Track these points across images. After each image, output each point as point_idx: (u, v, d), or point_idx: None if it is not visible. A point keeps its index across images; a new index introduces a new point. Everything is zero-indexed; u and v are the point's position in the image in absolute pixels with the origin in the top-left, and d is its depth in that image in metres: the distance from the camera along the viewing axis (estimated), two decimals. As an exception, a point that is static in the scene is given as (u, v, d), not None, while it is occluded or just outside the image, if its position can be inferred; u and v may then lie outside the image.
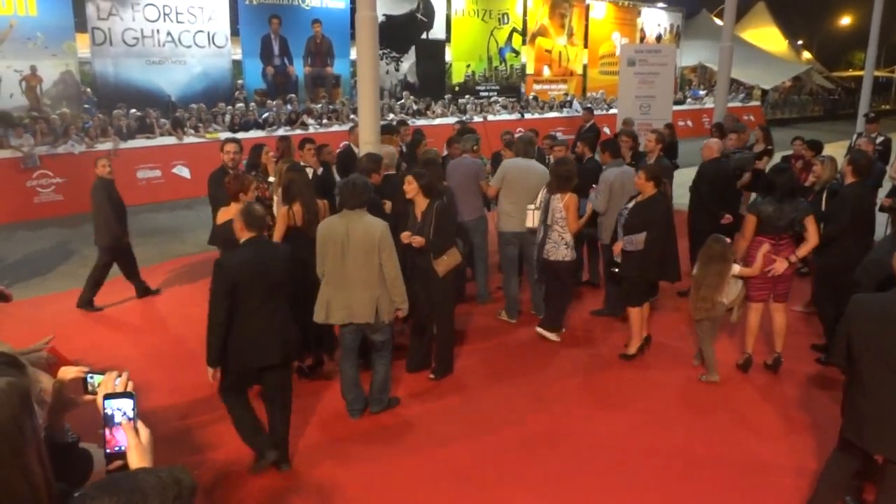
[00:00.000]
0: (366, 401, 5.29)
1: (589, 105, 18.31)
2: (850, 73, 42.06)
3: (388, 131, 8.29)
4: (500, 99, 21.66)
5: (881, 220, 7.16)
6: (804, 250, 5.66)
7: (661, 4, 29.57)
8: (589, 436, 5.01)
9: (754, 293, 5.78)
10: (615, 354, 6.35)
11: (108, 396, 1.79)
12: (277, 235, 5.48)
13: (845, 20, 42.30)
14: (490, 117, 18.79)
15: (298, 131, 14.70)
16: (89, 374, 1.94)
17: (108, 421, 1.77)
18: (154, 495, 1.32)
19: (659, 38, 29.12)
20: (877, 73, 39.10)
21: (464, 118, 17.36)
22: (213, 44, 16.16)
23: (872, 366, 3.41)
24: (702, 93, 26.92)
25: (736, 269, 5.66)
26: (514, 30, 23.35)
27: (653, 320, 6.72)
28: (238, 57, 17.15)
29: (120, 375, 1.86)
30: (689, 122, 24.09)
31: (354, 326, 4.99)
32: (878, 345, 3.37)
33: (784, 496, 4.30)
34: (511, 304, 7.14)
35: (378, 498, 4.27)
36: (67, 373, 1.94)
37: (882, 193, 8.14)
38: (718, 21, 26.44)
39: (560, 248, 6.36)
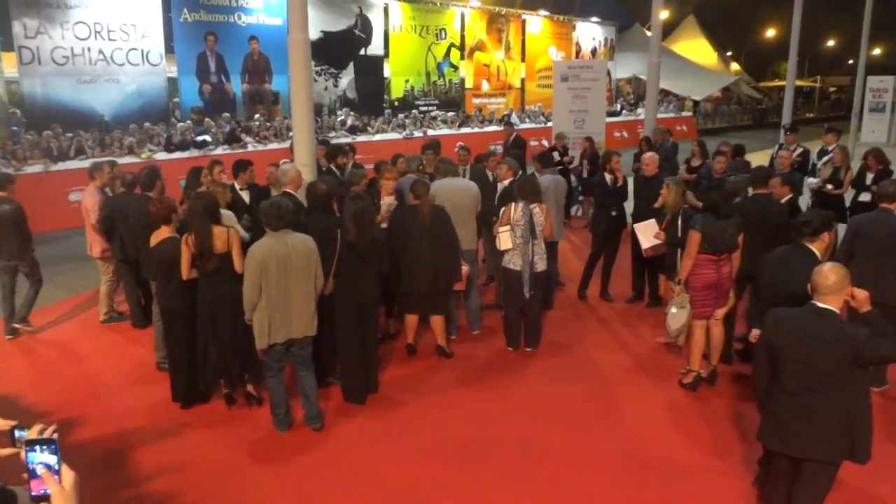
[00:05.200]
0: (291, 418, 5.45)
1: (511, 121, 18.74)
2: (777, 82, 43.80)
3: (337, 153, 8.31)
4: (440, 113, 21.86)
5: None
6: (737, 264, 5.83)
7: (594, 18, 30.35)
8: (526, 446, 5.13)
9: (698, 311, 5.83)
10: (551, 366, 6.53)
11: (30, 444, 1.79)
12: (184, 265, 5.28)
13: (770, 32, 44.15)
14: (430, 132, 18.94)
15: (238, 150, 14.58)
16: (16, 430, 1.94)
17: (30, 472, 1.79)
18: None
19: (594, 51, 29.88)
20: (801, 83, 41.01)
21: (404, 133, 17.51)
22: (148, 61, 15.95)
23: (792, 376, 3.63)
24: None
25: (677, 288, 5.83)
26: (451, 45, 23.65)
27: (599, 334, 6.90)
28: (174, 75, 16.95)
29: (46, 429, 1.84)
30: (625, 133, 24.71)
31: (284, 346, 5.13)
32: (795, 358, 3.59)
33: (716, 496, 4.54)
34: (450, 320, 7.25)
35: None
36: None
37: (803, 203, 8.38)
38: (650, 34, 27.26)
39: (543, 258, 6.59)
